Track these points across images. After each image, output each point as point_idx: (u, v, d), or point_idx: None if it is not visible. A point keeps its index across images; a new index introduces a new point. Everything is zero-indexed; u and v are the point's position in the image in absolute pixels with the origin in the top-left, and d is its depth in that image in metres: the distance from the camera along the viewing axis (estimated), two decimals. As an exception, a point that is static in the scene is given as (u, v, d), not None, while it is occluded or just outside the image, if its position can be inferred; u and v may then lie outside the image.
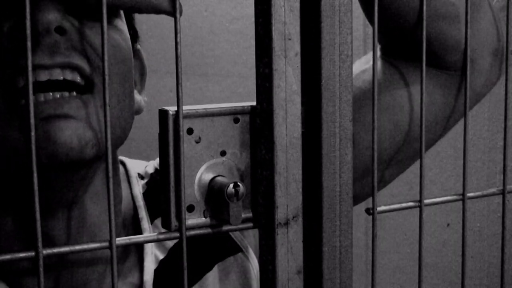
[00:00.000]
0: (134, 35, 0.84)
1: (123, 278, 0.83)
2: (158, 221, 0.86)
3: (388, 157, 0.84)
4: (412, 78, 0.83)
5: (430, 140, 0.85)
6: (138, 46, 0.87)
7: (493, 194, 0.70)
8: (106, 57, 0.52)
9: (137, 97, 0.84)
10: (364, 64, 0.86)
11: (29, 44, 0.49)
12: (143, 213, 0.86)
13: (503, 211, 0.70)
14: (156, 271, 0.83)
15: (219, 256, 0.87)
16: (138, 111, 0.84)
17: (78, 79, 0.70)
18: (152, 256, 0.84)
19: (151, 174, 0.90)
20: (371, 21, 0.61)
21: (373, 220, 0.61)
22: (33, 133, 0.49)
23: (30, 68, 0.49)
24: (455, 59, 0.81)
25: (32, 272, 0.78)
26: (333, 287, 0.60)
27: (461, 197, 0.67)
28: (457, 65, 0.81)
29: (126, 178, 0.89)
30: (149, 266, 0.83)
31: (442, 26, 0.78)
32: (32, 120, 0.49)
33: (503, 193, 0.69)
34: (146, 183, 0.89)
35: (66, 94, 0.69)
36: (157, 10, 0.67)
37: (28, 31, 0.49)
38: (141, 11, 0.68)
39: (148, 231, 0.84)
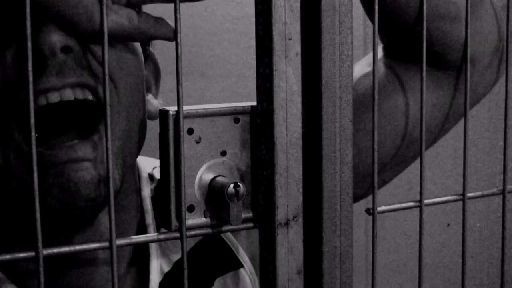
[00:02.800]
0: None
1: (130, 273, 0.83)
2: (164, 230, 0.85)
3: (388, 159, 0.84)
4: (413, 79, 0.82)
5: (428, 141, 0.85)
6: (151, 49, 0.86)
7: (493, 194, 0.70)
8: (106, 57, 0.52)
9: (154, 101, 0.84)
10: (365, 67, 0.85)
11: (29, 44, 0.49)
12: (150, 219, 0.84)
13: (503, 211, 0.70)
14: (161, 284, 0.83)
15: (219, 271, 0.86)
16: (156, 116, 0.84)
17: (90, 97, 0.70)
18: (158, 269, 0.83)
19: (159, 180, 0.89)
20: (372, 20, 0.61)
21: (373, 220, 0.61)
22: (33, 133, 0.49)
23: (30, 68, 0.49)
24: (456, 58, 0.80)
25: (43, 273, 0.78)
26: (333, 287, 0.60)
27: (461, 197, 0.67)
28: (457, 64, 0.81)
29: (137, 178, 0.88)
30: (154, 279, 0.82)
31: (444, 26, 0.78)
32: (32, 120, 0.49)
33: (503, 193, 0.69)
34: (155, 188, 0.88)
35: (76, 141, 0.70)
36: (153, 38, 0.69)
37: (28, 31, 0.49)
38: (135, 40, 0.69)
39: None
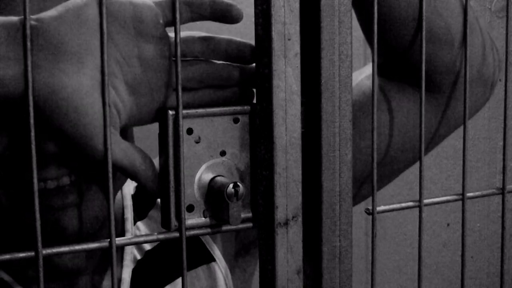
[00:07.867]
0: None
1: (107, 274, 0.85)
2: (139, 223, 0.89)
3: (363, 177, 0.83)
4: (400, 100, 0.81)
5: (406, 161, 0.84)
6: None
7: (493, 194, 0.70)
8: (105, 51, 0.52)
9: None
10: (356, 76, 0.85)
11: (29, 44, 0.49)
12: (128, 214, 0.88)
13: (503, 211, 0.70)
14: (133, 270, 0.86)
15: (191, 264, 0.88)
16: None
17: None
18: (131, 256, 0.87)
19: None
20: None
21: (373, 220, 0.61)
22: (32, 133, 0.49)
23: (29, 68, 0.49)
24: (444, 81, 0.79)
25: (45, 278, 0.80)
26: (333, 287, 0.60)
27: (461, 197, 0.67)
28: (445, 87, 0.80)
29: None
30: (128, 265, 0.86)
31: (436, 49, 0.77)
32: (32, 121, 0.49)
33: (502, 193, 0.69)
34: (136, 187, 0.90)
35: (67, 181, 0.71)
36: (139, 182, 0.65)
37: (28, 31, 0.49)
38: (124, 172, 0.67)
39: (130, 232, 0.87)
